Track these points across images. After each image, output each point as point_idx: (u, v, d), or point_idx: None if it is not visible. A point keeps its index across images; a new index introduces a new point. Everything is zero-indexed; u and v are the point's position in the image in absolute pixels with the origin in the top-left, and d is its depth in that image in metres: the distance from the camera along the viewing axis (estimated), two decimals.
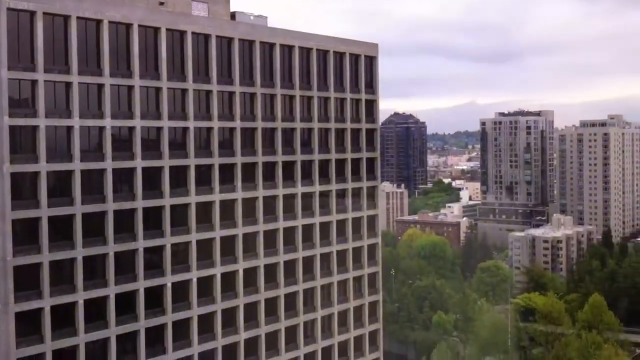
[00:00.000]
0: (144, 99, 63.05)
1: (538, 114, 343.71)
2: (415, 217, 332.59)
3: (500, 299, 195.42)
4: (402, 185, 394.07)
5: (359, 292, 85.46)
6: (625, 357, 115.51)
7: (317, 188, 79.42)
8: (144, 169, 62.75)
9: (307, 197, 78.61)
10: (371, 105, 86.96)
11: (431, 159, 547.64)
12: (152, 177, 63.63)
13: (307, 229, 78.60)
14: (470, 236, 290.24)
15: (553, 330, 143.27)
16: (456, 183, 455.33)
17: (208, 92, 68.44)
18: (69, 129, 57.89)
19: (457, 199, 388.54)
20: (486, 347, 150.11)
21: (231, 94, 70.57)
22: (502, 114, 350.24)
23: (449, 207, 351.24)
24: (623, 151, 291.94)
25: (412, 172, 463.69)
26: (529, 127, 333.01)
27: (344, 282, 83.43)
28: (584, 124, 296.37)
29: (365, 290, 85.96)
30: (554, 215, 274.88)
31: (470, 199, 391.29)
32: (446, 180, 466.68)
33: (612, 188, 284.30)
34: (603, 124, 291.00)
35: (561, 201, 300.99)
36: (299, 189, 77.31)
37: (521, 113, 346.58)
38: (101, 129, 59.94)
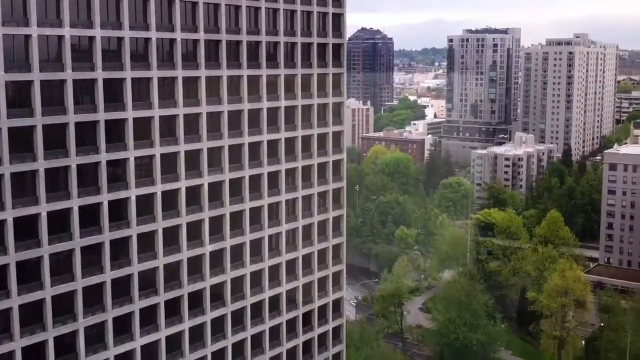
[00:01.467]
0: (104, 7, 60.92)
1: (505, 31, 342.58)
2: (381, 134, 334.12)
3: (461, 214, 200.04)
4: (368, 102, 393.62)
5: (324, 207, 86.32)
6: (579, 270, 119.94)
7: (282, 103, 78.75)
8: (105, 81, 61.36)
9: (273, 111, 77.98)
10: (338, 20, 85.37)
11: (398, 76, 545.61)
12: (113, 89, 62.33)
13: (273, 145, 78.36)
14: (434, 153, 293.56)
15: (511, 245, 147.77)
16: (422, 100, 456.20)
17: (170, 2, 66.38)
18: (27, 37, 56.02)
19: (422, 117, 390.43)
20: (446, 260, 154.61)
21: (194, 4, 68.53)
22: (470, 31, 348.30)
23: (414, 124, 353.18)
24: (587, 70, 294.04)
25: (378, 88, 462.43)
26: (495, 45, 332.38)
27: (308, 197, 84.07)
28: (550, 43, 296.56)
29: (330, 205, 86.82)
30: (517, 133, 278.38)
31: (435, 116, 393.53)
32: (412, 98, 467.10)
33: (575, 107, 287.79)
34: (569, 43, 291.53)
35: (524, 119, 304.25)
36: (265, 104, 76.59)
37: (488, 30, 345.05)
38: (60, 38, 58.09)
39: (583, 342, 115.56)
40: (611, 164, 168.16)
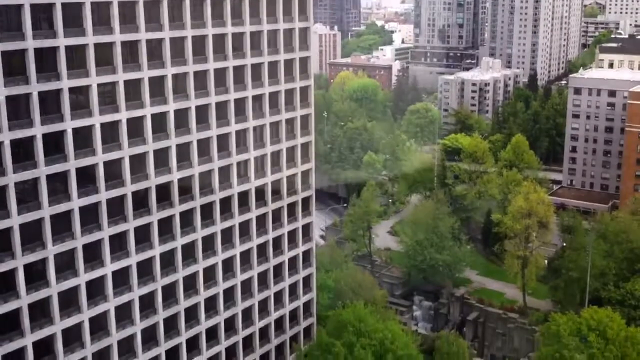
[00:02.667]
0: None
1: None
2: (348, 60, 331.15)
3: (428, 139, 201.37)
4: (335, 27, 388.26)
5: (292, 133, 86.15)
6: (543, 192, 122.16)
7: (247, 28, 77.31)
8: (64, 5, 59.41)
9: (238, 37, 76.57)
10: None
11: (364, 1, 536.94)
12: (73, 13, 60.49)
13: (239, 71, 77.32)
14: (402, 79, 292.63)
15: (476, 169, 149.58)
16: (389, 25, 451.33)
17: None
18: None
19: (390, 42, 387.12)
20: (413, 185, 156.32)
21: None
22: None
23: (382, 49, 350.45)
24: None
25: (345, 13, 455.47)
26: None
27: (276, 123, 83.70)
28: None
29: (298, 132, 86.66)
30: (484, 58, 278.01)
31: (403, 42, 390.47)
32: (379, 23, 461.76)
33: (541, 32, 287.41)
34: None
35: (491, 44, 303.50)
36: (229, 29, 75.08)
37: None
38: None
39: (546, 261, 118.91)
40: (576, 89, 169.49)
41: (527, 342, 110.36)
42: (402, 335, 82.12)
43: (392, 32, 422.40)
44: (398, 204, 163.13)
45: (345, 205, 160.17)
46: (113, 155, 65.32)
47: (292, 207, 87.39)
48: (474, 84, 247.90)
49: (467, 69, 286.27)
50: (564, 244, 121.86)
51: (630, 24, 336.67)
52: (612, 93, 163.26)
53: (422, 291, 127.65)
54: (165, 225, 71.72)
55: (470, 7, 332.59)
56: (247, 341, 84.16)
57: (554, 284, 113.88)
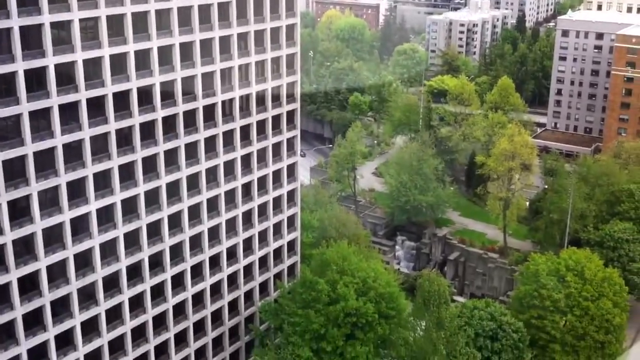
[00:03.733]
0: None
1: None
2: None
3: (415, 81, 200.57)
4: None
5: (277, 72, 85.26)
6: (527, 135, 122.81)
7: None
8: None
9: None
10: None
11: None
12: None
13: (223, 7, 75.92)
14: (389, 19, 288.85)
15: (462, 111, 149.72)
16: None
17: None
18: None
19: None
20: (399, 126, 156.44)
21: None
22: None
23: None
24: None
25: None
26: None
27: (262, 62, 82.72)
28: None
29: (284, 71, 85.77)
30: None
31: None
32: None
33: None
34: None
35: None
36: None
37: None
38: None
39: (527, 203, 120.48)
40: (564, 31, 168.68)
41: (507, 282, 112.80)
42: (384, 274, 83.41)
43: None
44: (383, 145, 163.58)
45: (330, 146, 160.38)
46: (95, 93, 64.54)
47: (276, 146, 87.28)
48: (462, 25, 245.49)
49: (456, 9, 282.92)
50: (546, 186, 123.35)
51: None
52: (599, 36, 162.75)
53: (405, 231, 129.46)
54: (150, 163, 71.50)
55: None
56: (232, 278, 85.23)
57: (534, 226, 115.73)
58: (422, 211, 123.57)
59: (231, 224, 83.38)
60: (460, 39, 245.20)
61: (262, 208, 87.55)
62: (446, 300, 76.58)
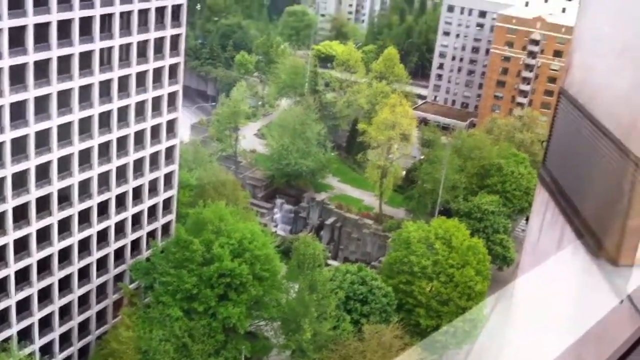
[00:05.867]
0: None
1: None
2: None
3: (303, 44, 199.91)
4: None
5: (161, 23, 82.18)
6: (408, 106, 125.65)
7: None
8: None
9: None
10: None
11: None
12: None
13: None
14: None
15: (348, 78, 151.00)
16: None
17: None
18: None
19: None
20: (284, 89, 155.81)
21: None
22: None
23: None
24: None
25: None
26: None
27: (145, 11, 79.38)
28: None
29: (168, 23, 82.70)
30: None
31: None
32: None
33: None
34: None
35: None
36: None
37: None
38: None
39: (404, 172, 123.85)
40: (449, 6, 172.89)
41: (380, 248, 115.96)
42: (261, 236, 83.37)
43: None
44: (267, 107, 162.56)
45: (213, 104, 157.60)
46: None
47: (157, 100, 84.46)
48: None
49: None
50: (422, 157, 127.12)
51: None
52: (482, 14, 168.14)
53: (284, 194, 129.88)
54: (18, 110, 67.35)
55: None
56: (102, 235, 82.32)
57: (408, 194, 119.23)
58: (302, 175, 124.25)
59: (104, 178, 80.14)
60: (350, 5, 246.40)
61: (138, 163, 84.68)
62: (320, 264, 77.84)
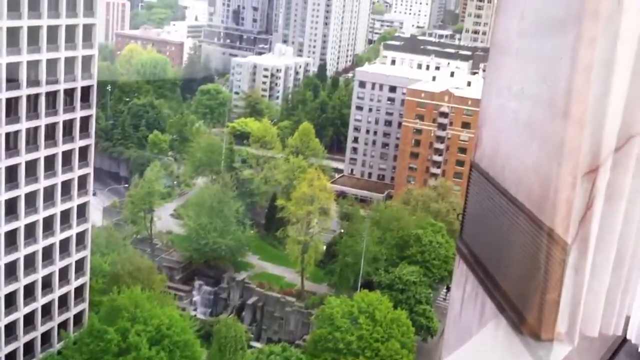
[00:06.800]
0: None
1: None
2: (137, 33, 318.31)
3: (218, 122, 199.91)
4: None
5: (70, 105, 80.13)
6: (325, 180, 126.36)
7: None
8: None
9: None
10: None
11: None
12: None
13: (13, 32, 70.12)
14: (194, 57, 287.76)
15: (264, 154, 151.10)
16: (183, 1, 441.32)
17: None
18: None
19: (183, 18, 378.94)
20: (200, 167, 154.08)
21: None
22: None
23: (174, 25, 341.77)
24: None
25: None
26: None
27: (53, 93, 77.35)
28: None
29: (77, 105, 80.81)
30: (277, 44, 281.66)
31: (196, 19, 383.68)
32: None
33: (332, 23, 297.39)
34: None
35: (284, 31, 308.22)
36: None
37: None
38: None
39: (324, 247, 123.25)
40: (361, 82, 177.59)
41: (304, 325, 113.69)
42: (180, 321, 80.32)
43: (185, 7, 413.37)
44: (183, 186, 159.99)
45: (126, 185, 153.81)
46: None
47: (67, 184, 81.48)
48: (266, 69, 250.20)
49: (260, 54, 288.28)
50: (342, 230, 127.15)
51: (413, 25, 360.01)
52: (392, 89, 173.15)
53: (203, 276, 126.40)
54: None
55: None
56: (9, 328, 77.24)
57: (330, 269, 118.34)
58: (221, 255, 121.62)
59: (11, 268, 75.84)
60: (264, 82, 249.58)
61: (48, 251, 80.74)
62: (242, 347, 75.42)
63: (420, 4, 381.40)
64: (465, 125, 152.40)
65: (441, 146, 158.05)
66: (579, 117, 3.86)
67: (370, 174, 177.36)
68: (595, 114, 3.84)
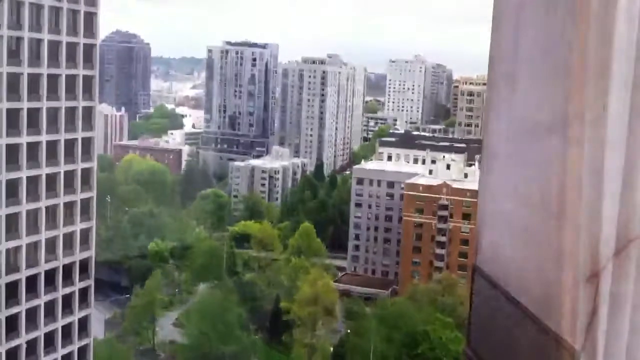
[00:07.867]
0: None
1: (264, 46, 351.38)
2: (135, 143, 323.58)
3: (218, 226, 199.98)
4: (122, 109, 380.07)
5: (71, 218, 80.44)
6: (329, 279, 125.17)
7: (25, 104, 72.06)
8: None
9: (14, 113, 70.99)
10: (90, 18, 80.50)
11: (155, 83, 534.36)
12: None
13: (13, 150, 71.27)
14: (192, 164, 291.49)
15: (266, 256, 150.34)
16: (180, 110, 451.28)
17: None
18: None
19: (180, 126, 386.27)
20: (202, 273, 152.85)
21: None
22: (229, 43, 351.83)
23: (171, 133, 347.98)
24: (339, 89, 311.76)
25: (134, 95, 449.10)
26: (254, 59, 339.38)
27: (53, 207, 77.80)
28: (305, 61, 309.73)
29: (77, 217, 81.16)
30: (273, 147, 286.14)
31: (193, 126, 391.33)
32: (170, 106, 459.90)
33: (327, 124, 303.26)
34: (322, 62, 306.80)
35: (280, 134, 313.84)
36: (4, 104, 69.39)
37: (247, 44, 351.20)
38: None
39: (331, 348, 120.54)
40: (358, 179, 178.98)
41: None
42: None
43: (182, 116, 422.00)
44: (185, 294, 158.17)
45: (128, 295, 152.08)
46: None
47: (67, 298, 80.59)
48: (264, 172, 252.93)
49: (258, 157, 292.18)
50: (348, 330, 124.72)
51: (406, 121, 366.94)
52: (390, 184, 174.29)
53: None
54: None
55: (261, 97, 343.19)
56: None
57: None
58: None
59: None
60: (263, 184, 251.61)
61: None
62: None
63: (412, 100, 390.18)
64: (466, 217, 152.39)
65: (443, 239, 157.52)
66: (574, 221, 3.82)
67: (373, 271, 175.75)
68: (590, 218, 3.80)
